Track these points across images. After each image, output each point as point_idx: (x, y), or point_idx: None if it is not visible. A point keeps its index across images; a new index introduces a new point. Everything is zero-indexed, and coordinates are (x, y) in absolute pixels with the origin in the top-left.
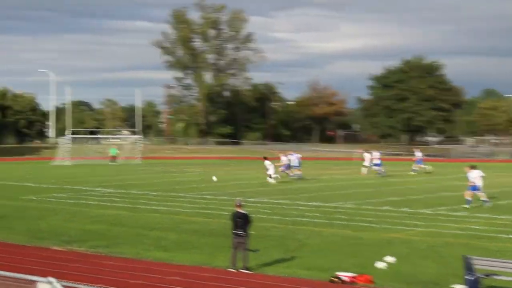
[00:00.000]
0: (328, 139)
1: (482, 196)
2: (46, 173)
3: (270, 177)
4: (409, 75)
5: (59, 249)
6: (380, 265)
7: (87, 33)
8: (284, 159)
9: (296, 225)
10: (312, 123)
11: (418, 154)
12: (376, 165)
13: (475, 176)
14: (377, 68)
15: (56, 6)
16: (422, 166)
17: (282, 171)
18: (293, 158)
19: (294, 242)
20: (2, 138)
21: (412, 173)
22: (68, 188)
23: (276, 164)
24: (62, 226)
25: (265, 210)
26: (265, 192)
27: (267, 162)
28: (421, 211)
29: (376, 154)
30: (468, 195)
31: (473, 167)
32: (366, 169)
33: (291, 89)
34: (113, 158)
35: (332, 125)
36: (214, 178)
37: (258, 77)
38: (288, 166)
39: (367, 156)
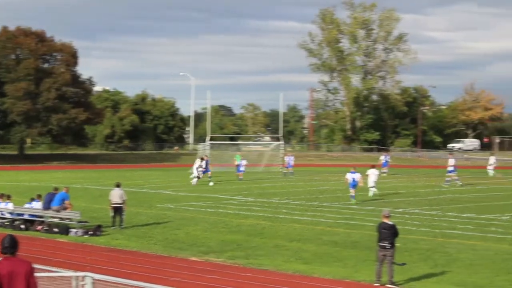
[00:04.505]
0: (483, 146)
1: None
2: (184, 181)
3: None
4: None
5: (196, 259)
6: None
7: (228, 34)
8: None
9: (446, 238)
10: (466, 129)
11: None
12: None
13: None
14: None
15: (199, 6)
16: None
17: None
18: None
19: (443, 256)
20: (140, 144)
21: None
22: (207, 196)
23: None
24: (200, 236)
25: (414, 222)
26: (414, 202)
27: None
28: None
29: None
30: None
31: None
32: None
33: (444, 93)
34: (237, 165)
35: (488, 131)
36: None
37: (408, 80)
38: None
39: None
